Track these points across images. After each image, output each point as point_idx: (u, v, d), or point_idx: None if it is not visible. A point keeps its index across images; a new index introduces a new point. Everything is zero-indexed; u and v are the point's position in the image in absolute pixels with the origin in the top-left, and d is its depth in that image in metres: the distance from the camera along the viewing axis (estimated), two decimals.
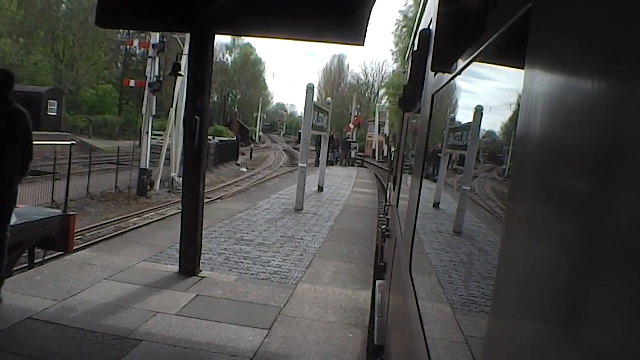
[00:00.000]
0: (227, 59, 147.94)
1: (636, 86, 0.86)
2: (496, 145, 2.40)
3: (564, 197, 1.15)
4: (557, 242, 1.13)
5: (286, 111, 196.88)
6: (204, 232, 11.46)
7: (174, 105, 33.85)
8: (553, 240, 1.16)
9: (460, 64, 2.70)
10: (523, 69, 1.48)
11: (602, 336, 0.90)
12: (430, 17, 4.91)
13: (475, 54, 2.29)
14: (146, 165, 32.88)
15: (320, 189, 28.88)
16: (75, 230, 14.66)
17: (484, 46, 2.09)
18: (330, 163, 46.63)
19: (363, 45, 10.05)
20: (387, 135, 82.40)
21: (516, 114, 1.60)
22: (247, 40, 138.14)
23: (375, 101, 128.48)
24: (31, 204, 20.23)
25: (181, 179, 17.59)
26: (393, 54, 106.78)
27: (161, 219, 22.98)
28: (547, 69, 1.34)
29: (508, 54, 1.87)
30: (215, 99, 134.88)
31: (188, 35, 14.38)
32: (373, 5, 9.77)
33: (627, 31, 0.92)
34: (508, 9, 1.77)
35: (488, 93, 2.57)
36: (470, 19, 2.31)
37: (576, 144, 1.09)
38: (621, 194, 0.89)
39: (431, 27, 4.43)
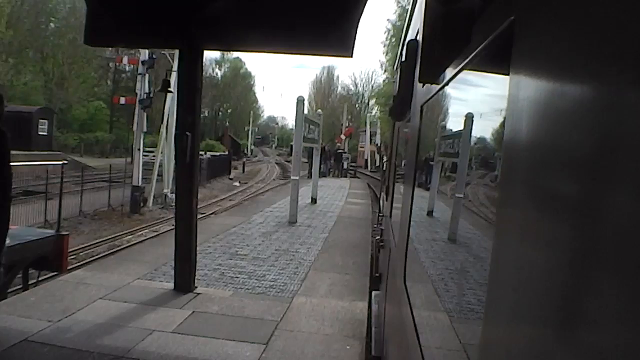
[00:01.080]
0: (217, 73, 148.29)
1: (616, 92, 0.89)
2: (487, 152, 2.42)
3: (552, 201, 1.16)
4: (548, 246, 1.14)
5: (277, 124, 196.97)
6: (198, 247, 11.44)
7: (165, 122, 33.89)
8: (543, 244, 1.17)
9: (447, 74, 2.72)
10: (508, 76, 1.50)
11: (597, 340, 0.91)
12: (417, 27, 4.93)
13: (462, 65, 2.31)
14: (138, 182, 32.87)
15: (314, 200, 28.86)
16: (69, 250, 14.63)
17: (470, 57, 2.11)
18: (322, 174, 46.63)
19: (351, 56, 10.10)
20: (379, 144, 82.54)
21: (503, 124, 1.61)
22: (236, 54, 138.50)
23: (366, 111, 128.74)
24: (24, 224, 20.16)
25: (174, 195, 17.56)
26: (382, 65, 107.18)
27: (155, 236, 22.95)
28: (530, 77, 1.37)
29: (494, 64, 1.89)
30: (206, 114, 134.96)
31: (177, 51, 14.42)
32: (360, 17, 9.82)
33: (605, 40, 0.94)
34: (492, 21, 1.79)
35: (475, 103, 2.58)
36: (455, 30, 2.33)
37: (561, 148, 1.11)
38: (609, 196, 0.90)
39: (418, 38, 4.45)
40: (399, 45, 11.91)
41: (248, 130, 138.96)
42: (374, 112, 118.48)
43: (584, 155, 0.99)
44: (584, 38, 1.04)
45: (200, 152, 18.99)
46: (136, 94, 33.66)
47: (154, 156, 37.68)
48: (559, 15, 1.20)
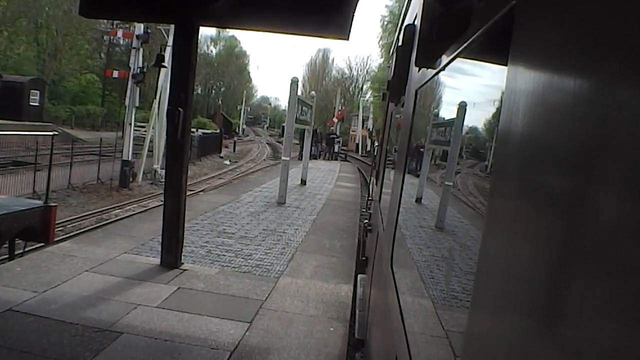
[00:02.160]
0: (212, 51, 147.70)
1: (618, 84, 0.87)
2: (478, 142, 2.41)
3: (544, 194, 1.16)
4: (536, 238, 1.14)
5: (270, 104, 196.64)
6: (185, 224, 11.44)
7: (157, 97, 33.69)
8: (532, 236, 1.17)
9: (444, 59, 2.70)
10: (506, 65, 1.49)
11: (579, 331, 0.91)
12: (415, 12, 4.92)
13: (459, 50, 2.30)
14: (128, 157, 32.69)
15: (303, 182, 28.89)
16: (56, 222, 14.58)
17: (468, 42, 2.09)
18: (313, 157, 46.61)
19: (348, 39, 10.07)
20: (371, 129, 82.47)
21: (499, 111, 1.60)
22: (231, 32, 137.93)
23: (359, 95, 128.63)
24: (12, 194, 20.08)
25: (163, 170, 17.54)
26: (379, 44, 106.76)
27: (143, 211, 22.91)
28: (529, 66, 1.35)
29: (491, 50, 1.87)
30: (199, 91, 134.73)
31: (172, 27, 14.31)
32: (358, 0, 9.77)
33: (610, 29, 0.93)
34: (492, 6, 1.78)
35: (471, 89, 2.57)
36: (454, 14, 2.32)
37: (557, 141, 1.09)
38: (601, 191, 0.90)
39: (416, 23, 4.44)
40: (395, 30, 11.88)
41: (240, 109, 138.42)
42: (367, 96, 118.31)
43: (584, 151, 0.97)
44: (590, 25, 1.01)
45: (192, 130, 18.95)
46: (129, 68, 33.40)
47: (145, 131, 37.52)
48: (562, 0, 1.18)
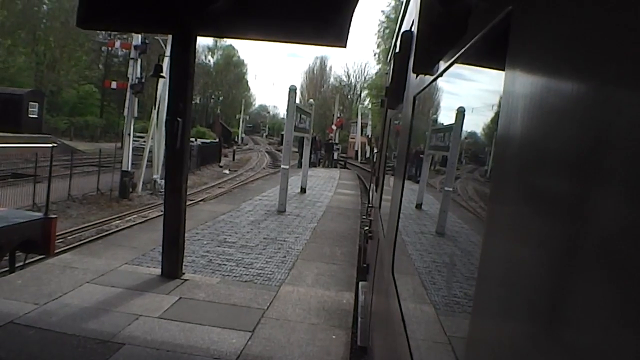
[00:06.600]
0: (209, 60, 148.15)
1: (615, 87, 0.87)
2: (478, 147, 2.40)
3: (544, 198, 1.15)
4: (537, 242, 1.14)
5: (269, 112, 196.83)
6: (186, 234, 11.42)
7: (156, 107, 33.75)
8: (534, 240, 1.16)
9: (442, 65, 2.70)
10: (504, 70, 1.48)
11: (582, 336, 0.91)
12: (412, 18, 4.92)
13: (456, 56, 2.29)
14: (128, 167, 32.75)
15: (303, 190, 28.86)
16: (57, 233, 14.59)
17: (465, 48, 2.09)
18: (312, 164, 46.64)
19: (345, 46, 10.08)
20: (370, 136, 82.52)
21: (497, 115, 1.60)
22: (229, 41, 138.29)
23: (358, 102, 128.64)
24: (12, 206, 20.07)
25: (163, 180, 17.56)
26: (375, 55, 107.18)
27: (143, 221, 22.91)
28: (527, 70, 1.34)
29: (489, 55, 1.87)
30: (198, 101, 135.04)
31: (170, 37, 14.34)
32: (355, 8, 9.79)
33: (607, 33, 0.92)
34: (488, 11, 1.78)
35: (469, 94, 2.57)
36: (451, 20, 2.32)
37: (556, 145, 1.09)
38: (601, 195, 0.89)
39: (413, 29, 4.44)
40: (392, 37, 11.89)
41: (239, 118, 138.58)
42: (365, 103, 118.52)
43: (583, 155, 0.97)
44: (587, 30, 1.01)
45: (191, 139, 18.95)
46: (128, 78, 33.52)
47: (144, 142, 37.57)
48: (559, 4, 1.18)
